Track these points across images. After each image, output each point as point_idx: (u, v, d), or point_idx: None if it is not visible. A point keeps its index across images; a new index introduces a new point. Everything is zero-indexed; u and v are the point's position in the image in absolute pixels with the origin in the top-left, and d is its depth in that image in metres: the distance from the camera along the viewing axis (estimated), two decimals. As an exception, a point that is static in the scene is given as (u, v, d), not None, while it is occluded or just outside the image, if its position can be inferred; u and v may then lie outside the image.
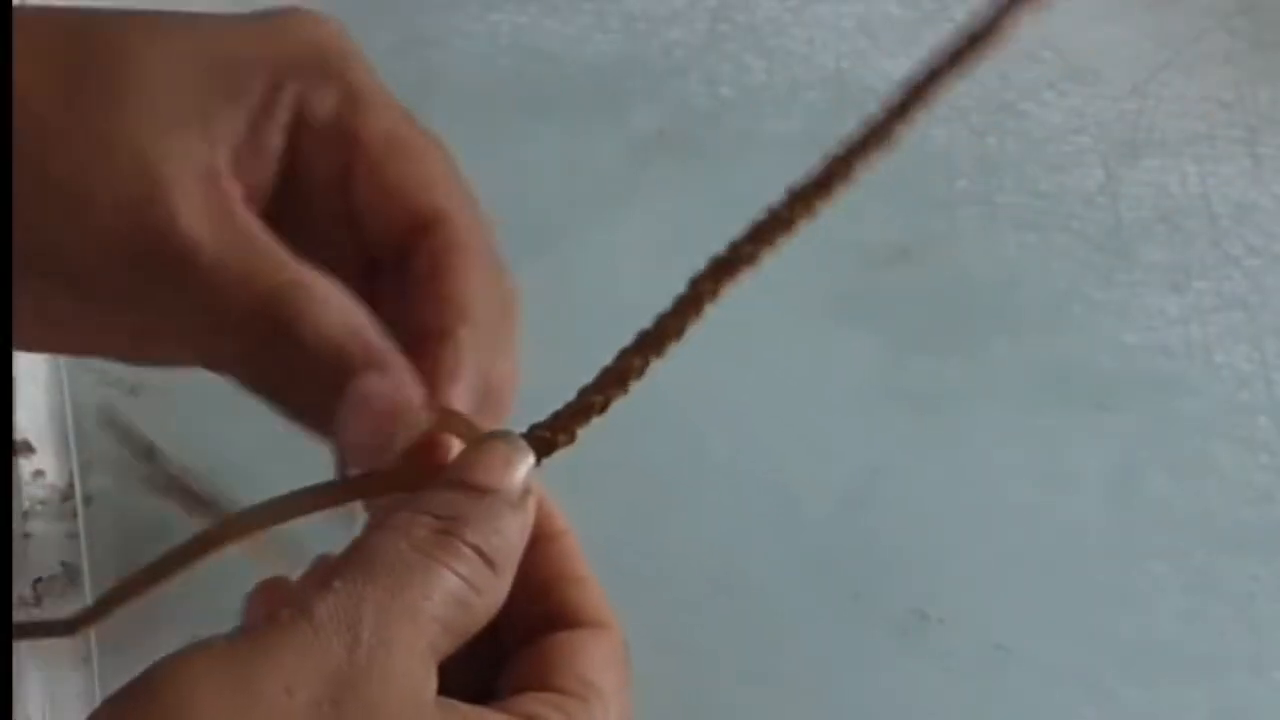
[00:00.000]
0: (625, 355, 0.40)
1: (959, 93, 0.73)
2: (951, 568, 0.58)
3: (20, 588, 0.56)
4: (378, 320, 0.40)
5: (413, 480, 0.38)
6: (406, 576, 0.35)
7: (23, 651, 0.54)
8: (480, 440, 0.39)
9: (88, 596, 0.56)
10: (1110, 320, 0.65)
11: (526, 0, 0.75)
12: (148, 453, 0.42)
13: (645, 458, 0.59)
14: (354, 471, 0.40)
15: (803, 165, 0.70)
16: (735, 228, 0.68)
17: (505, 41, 0.74)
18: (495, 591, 0.36)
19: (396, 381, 0.39)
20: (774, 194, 0.69)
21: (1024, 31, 0.71)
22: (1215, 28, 0.76)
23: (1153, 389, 0.63)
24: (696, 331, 0.64)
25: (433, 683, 0.34)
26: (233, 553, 0.53)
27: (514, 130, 0.70)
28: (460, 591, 0.35)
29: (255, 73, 0.40)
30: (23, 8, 0.41)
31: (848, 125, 0.71)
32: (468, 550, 0.36)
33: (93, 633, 0.55)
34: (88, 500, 0.58)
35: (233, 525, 0.42)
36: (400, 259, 0.41)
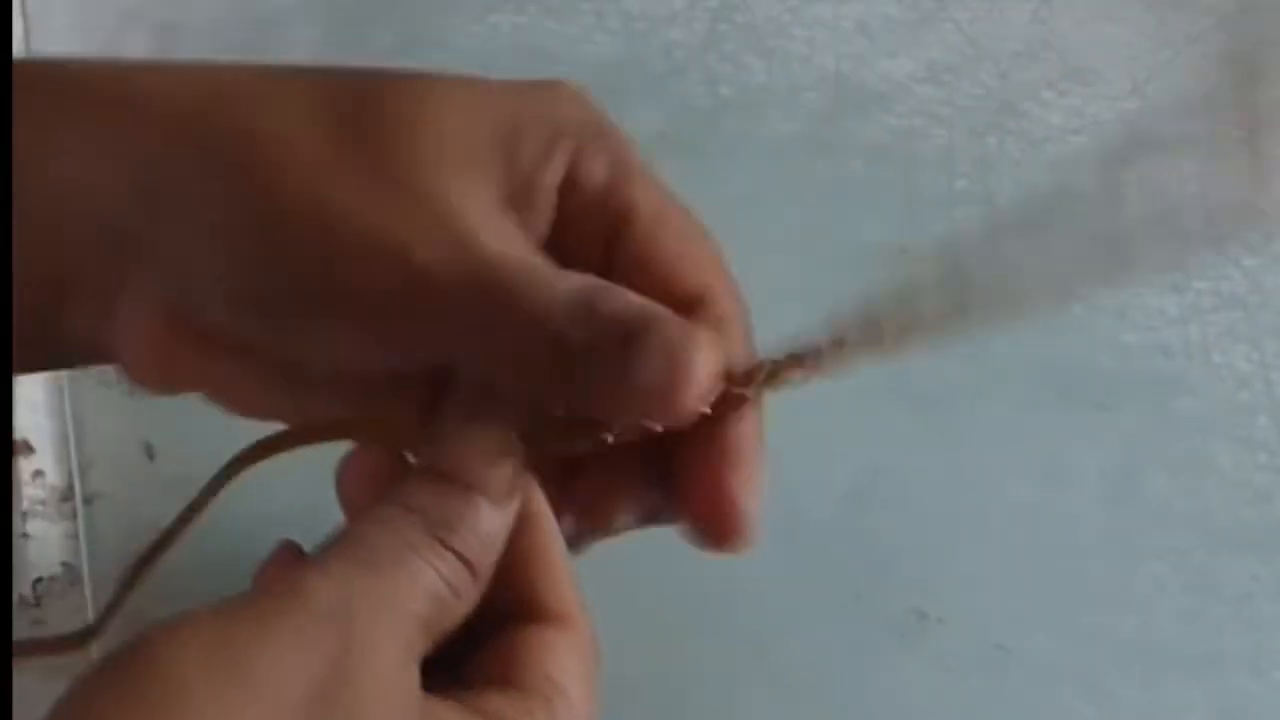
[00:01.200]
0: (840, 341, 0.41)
1: (959, 93, 0.74)
2: (951, 567, 0.58)
3: (20, 588, 0.56)
4: None
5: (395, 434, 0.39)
6: (396, 574, 0.35)
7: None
8: (468, 434, 0.39)
9: (88, 597, 0.56)
10: (1110, 320, 0.65)
11: (526, 0, 0.75)
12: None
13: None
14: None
15: (802, 165, 0.70)
16: (735, 227, 0.68)
17: (505, 41, 0.74)
18: (472, 595, 0.37)
19: (684, 330, 0.39)
20: (773, 194, 0.70)
21: (1023, 32, 0.71)
22: (1215, 28, 0.76)
23: (1152, 389, 0.63)
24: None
25: (416, 680, 0.35)
26: (236, 551, 0.53)
27: (514, 130, 0.70)
28: (442, 593, 0.36)
29: (532, 131, 0.41)
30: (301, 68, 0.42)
31: (847, 125, 0.72)
32: (451, 555, 0.36)
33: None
34: (88, 500, 0.58)
35: (233, 465, 0.42)
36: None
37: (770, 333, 0.65)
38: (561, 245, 0.42)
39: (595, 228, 0.42)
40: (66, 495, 0.58)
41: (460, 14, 0.75)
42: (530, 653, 0.37)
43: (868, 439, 0.61)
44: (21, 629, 0.55)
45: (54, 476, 0.59)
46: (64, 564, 0.57)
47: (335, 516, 0.41)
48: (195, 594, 0.55)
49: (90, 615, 0.56)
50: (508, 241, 0.39)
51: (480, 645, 0.38)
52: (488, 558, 0.37)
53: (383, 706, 0.33)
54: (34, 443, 0.59)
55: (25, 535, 0.57)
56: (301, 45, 0.73)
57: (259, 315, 0.39)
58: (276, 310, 0.39)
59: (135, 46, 0.73)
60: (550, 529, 0.39)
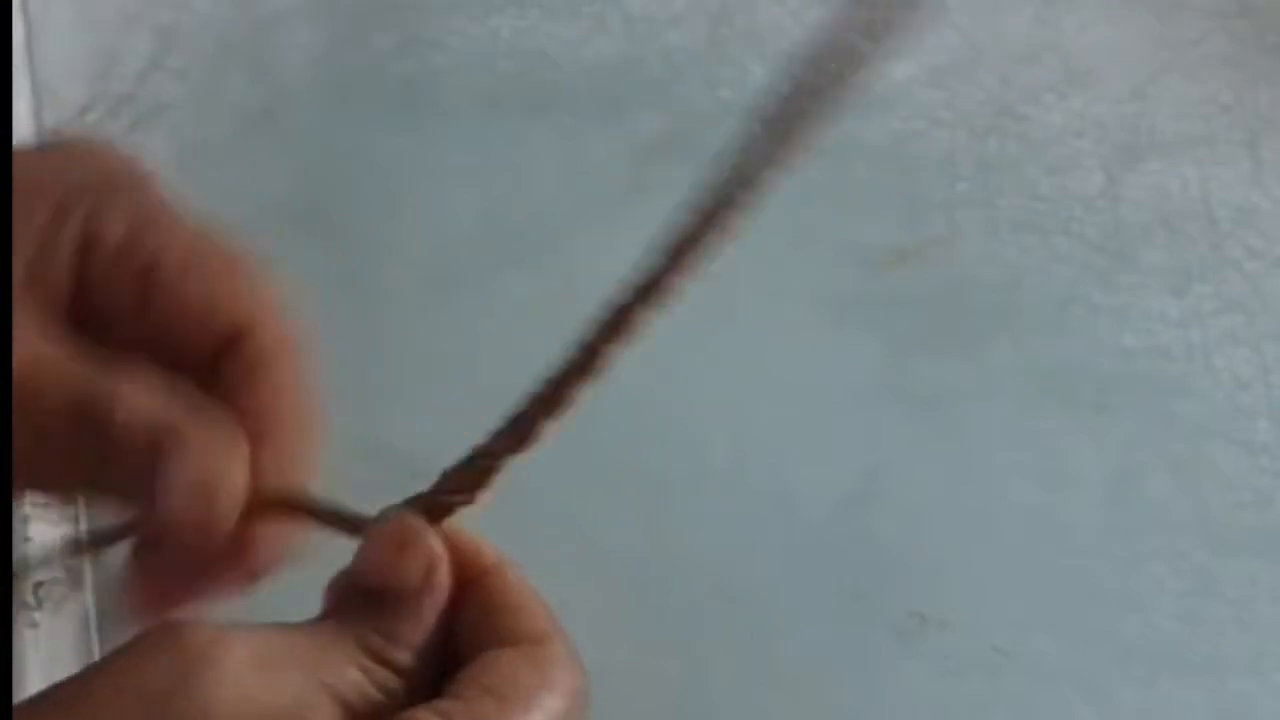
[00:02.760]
0: (522, 416, 0.39)
1: (960, 95, 0.74)
2: (951, 569, 0.58)
3: (22, 592, 0.56)
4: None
5: None
6: (303, 634, 0.36)
7: (23, 648, 0.54)
8: (371, 525, 0.39)
9: (89, 600, 0.56)
10: (1110, 323, 0.65)
11: (527, 3, 0.75)
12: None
13: (646, 460, 0.59)
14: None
15: (802, 168, 0.70)
16: (735, 230, 0.68)
17: (505, 44, 0.74)
18: (398, 688, 0.37)
19: (206, 454, 0.39)
20: (773, 196, 0.70)
21: (1024, 35, 0.71)
22: (1215, 30, 0.76)
23: (1152, 391, 0.63)
24: (696, 333, 0.64)
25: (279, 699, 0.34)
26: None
27: (514, 133, 0.70)
28: (360, 686, 0.36)
29: (40, 197, 0.41)
30: None
31: (848, 128, 0.71)
32: (372, 664, 0.37)
33: (94, 631, 0.55)
34: (89, 504, 0.58)
35: None
36: (211, 372, 0.41)
37: (771, 333, 0.65)
38: (91, 306, 0.41)
39: (126, 285, 0.41)
40: (68, 499, 0.58)
41: (460, 16, 0.75)
42: (473, 669, 0.37)
43: (868, 441, 0.61)
44: (22, 633, 0.55)
45: (55, 479, 0.59)
46: (65, 568, 0.57)
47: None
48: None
49: (91, 617, 0.56)
50: (30, 342, 0.39)
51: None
52: (416, 644, 0.38)
53: (231, 709, 0.33)
54: (35, 445, 0.59)
55: (27, 539, 0.57)
56: (302, 48, 0.73)
57: None
58: None
59: (135, 48, 0.73)
60: (504, 578, 0.39)
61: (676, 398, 0.61)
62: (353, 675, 0.36)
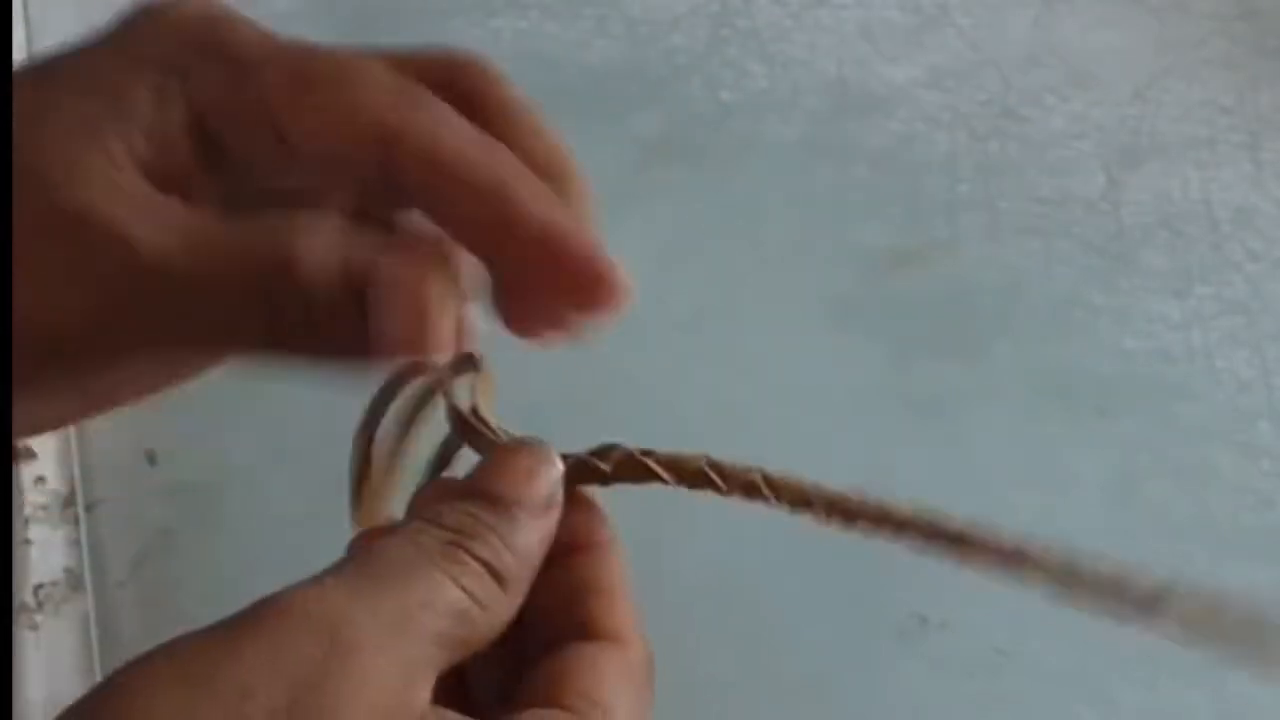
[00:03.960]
0: (716, 469, 0.40)
1: (961, 98, 0.74)
2: (952, 572, 0.58)
3: (22, 594, 0.56)
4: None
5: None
6: (405, 582, 0.34)
7: (24, 650, 0.54)
8: (506, 447, 0.38)
9: (90, 603, 0.56)
10: (1111, 325, 0.65)
11: (527, 5, 0.75)
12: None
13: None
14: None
15: (803, 170, 0.70)
16: (737, 231, 0.69)
17: (506, 46, 0.74)
18: (502, 607, 0.35)
19: (409, 282, 0.38)
20: (775, 199, 0.70)
21: (1025, 37, 0.71)
22: (1216, 33, 0.76)
23: (1154, 394, 0.63)
24: (697, 336, 0.64)
25: (418, 693, 0.33)
26: (243, 548, 0.53)
27: (515, 135, 0.70)
28: (462, 604, 0.34)
29: (136, 95, 0.39)
30: None
31: (849, 130, 0.72)
32: (475, 564, 0.35)
33: (94, 632, 0.55)
34: (89, 506, 0.58)
35: None
36: (388, 188, 0.40)
37: (772, 335, 0.65)
38: (233, 182, 0.40)
39: (254, 137, 0.39)
40: (68, 501, 0.58)
41: (461, 18, 0.75)
42: (571, 670, 0.36)
43: (869, 442, 0.61)
44: (22, 635, 0.55)
45: (55, 482, 0.59)
46: (65, 569, 0.57)
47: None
48: (198, 585, 0.55)
49: (93, 621, 0.56)
50: (176, 233, 0.38)
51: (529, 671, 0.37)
52: (521, 568, 0.36)
53: (365, 717, 0.32)
54: (36, 449, 0.59)
55: (27, 541, 0.57)
56: (303, 50, 0.73)
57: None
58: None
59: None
60: (611, 558, 0.38)
61: (677, 399, 0.61)
62: (453, 594, 0.34)
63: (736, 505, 0.60)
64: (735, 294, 0.66)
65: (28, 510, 0.58)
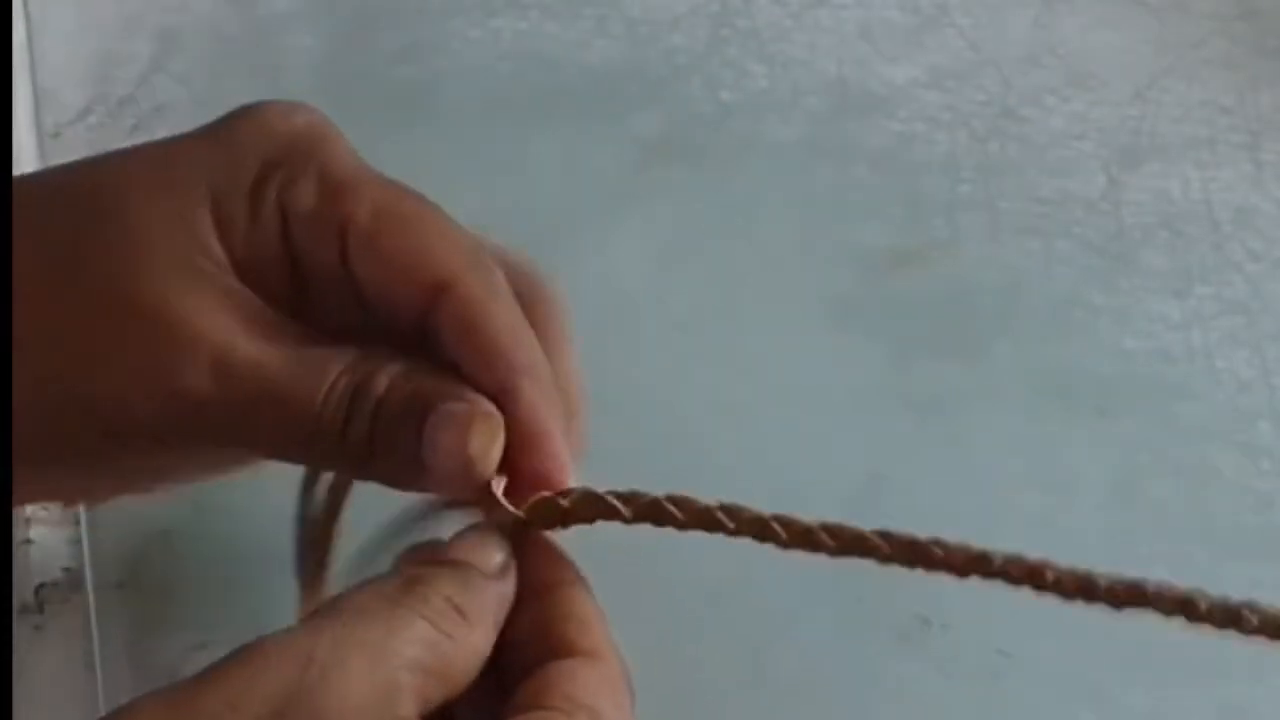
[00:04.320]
0: (675, 502, 0.41)
1: (961, 98, 0.74)
2: (953, 573, 0.58)
3: (22, 594, 0.56)
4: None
5: None
6: (370, 617, 0.35)
7: (25, 655, 0.54)
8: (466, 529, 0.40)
9: (90, 603, 0.56)
10: (1111, 326, 0.65)
11: (527, 5, 0.75)
12: None
13: (647, 463, 0.59)
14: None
15: (803, 170, 0.70)
16: (737, 232, 0.69)
17: (506, 47, 0.74)
18: (470, 639, 0.37)
19: (475, 400, 0.40)
20: (775, 199, 0.70)
21: (1026, 37, 0.71)
22: (1217, 33, 0.76)
23: (1154, 394, 0.63)
24: (697, 336, 0.64)
25: (400, 708, 0.34)
26: (243, 549, 0.53)
27: (515, 135, 0.70)
28: (428, 634, 0.36)
29: (232, 190, 0.41)
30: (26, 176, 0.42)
31: (849, 130, 0.72)
32: (436, 598, 0.37)
33: (95, 633, 0.55)
34: (90, 506, 0.58)
35: None
36: (427, 331, 0.41)
37: (771, 335, 0.65)
38: (310, 281, 0.42)
39: (326, 251, 0.41)
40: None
41: (462, 18, 0.75)
42: (553, 679, 0.37)
43: (869, 443, 0.61)
44: (22, 635, 0.55)
45: (56, 482, 0.59)
46: (65, 570, 0.57)
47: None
48: (198, 596, 0.55)
49: (93, 622, 0.56)
50: (262, 338, 0.40)
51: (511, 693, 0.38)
52: (481, 608, 0.38)
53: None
54: (36, 448, 0.59)
55: (28, 541, 0.57)
56: (303, 50, 0.73)
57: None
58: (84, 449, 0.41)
59: (136, 51, 0.73)
60: (579, 595, 0.40)
61: (677, 399, 0.61)
62: (419, 625, 0.36)
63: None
64: (735, 294, 0.66)
65: (28, 510, 0.58)
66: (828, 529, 0.41)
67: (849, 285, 0.66)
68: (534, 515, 0.40)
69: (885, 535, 0.40)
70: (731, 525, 0.41)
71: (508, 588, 0.39)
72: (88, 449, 0.40)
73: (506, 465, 0.41)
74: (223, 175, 0.41)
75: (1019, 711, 0.55)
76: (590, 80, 0.73)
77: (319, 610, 0.36)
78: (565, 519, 0.40)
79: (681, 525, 0.41)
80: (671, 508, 0.41)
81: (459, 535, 0.40)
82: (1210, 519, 0.60)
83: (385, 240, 0.41)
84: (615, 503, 0.40)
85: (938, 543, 0.40)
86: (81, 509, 0.58)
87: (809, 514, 0.59)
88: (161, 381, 0.39)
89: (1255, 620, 0.38)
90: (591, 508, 0.40)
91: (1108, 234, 0.68)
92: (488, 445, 0.40)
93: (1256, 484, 0.61)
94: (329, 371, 0.40)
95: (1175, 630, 0.57)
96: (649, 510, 0.41)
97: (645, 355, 0.63)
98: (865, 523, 0.59)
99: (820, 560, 0.58)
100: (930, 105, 0.73)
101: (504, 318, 0.41)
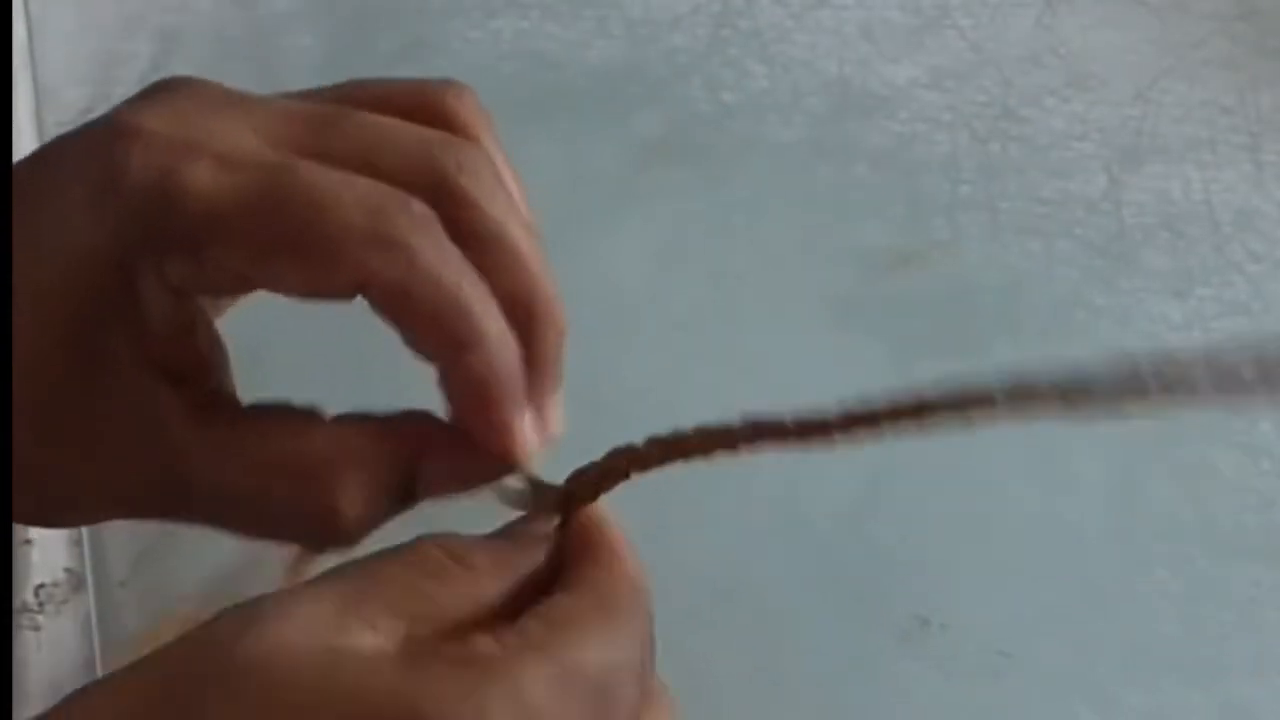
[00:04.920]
0: (678, 440, 0.40)
1: (962, 98, 0.74)
2: (954, 573, 0.58)
3: (23, 594, 0.56)
4: None
5: None
6: (341, 572, 0.35)
7: (25, 651, 0.54)
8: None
9: (91, 603, 0.56)
10: (1112, 326, 0.65)
11: (528, 5, 0.75)
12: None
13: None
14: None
15: (804, 170, 0.70)
16: (738, 232, 0.69)
17: (507, 47, 0.74)
18: (466, 583, 0.36)
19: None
20: (775, 199, 0.70)
21: (1027, 38, 0.71)
22: (1217, 33, 0.76)
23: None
24: (697, 336, 0.64)
25: (363, 638, 0.33)
26: (244, 548, 0.53)
27: (516, 135, 0.70)
28: (412, 579, 0.35)
29: (106, 264, 0.38)
30: None
31: (850, 130, 0.72)
32: (428, 545, 0.36)
33: (95, 633, 0.55)
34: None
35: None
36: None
37: (773, 335, 0.65)
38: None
39: (225, 294, 0.41)
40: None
41: (462, 19, 0.75)
42: (541, 605, 0.36)
43: (870, 445, 0.61)
44: (23, 635, 0.55)
45: (57, 482, 0.59)
46: (67, 570, 0.57)
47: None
48: (199, 587, 0.55)
49: (94, 621, 0.56)
50: (206, 450, 0.39)
51: None
52: (489, 554, 0.37)
53: (273, 655, 0.32)
54: (37, 448, 0.59)
55: (28, 541, 0.57)
56: (303, 50, 0.73)
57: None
58: None
59: (136, 50, 0.73)
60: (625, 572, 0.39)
61: (677, 399, 0.61)
62: (395, 569, 0.35)
63: (738, 506, 0.60)
64: (735, 294, 0.66)
65: (29, 510, 0.58)
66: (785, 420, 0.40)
67: (850, 285, 0.66)
68: (563, 506, 0.40)
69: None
70: (692, 449, 0.40)
71: (534, 558, 0.38)
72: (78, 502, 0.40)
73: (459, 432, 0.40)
74: (104, 263, 0.38)
75: (1019, 711, 0.55)
76: (591, 80, 0.73)
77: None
78: (598, 489, 0.40)
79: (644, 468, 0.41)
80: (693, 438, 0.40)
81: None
82: (1211, 519, 0.60)
83: (282, 269, 0.38)
84: (642, 451, 0.40)
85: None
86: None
87: (808, 518, 0.59)
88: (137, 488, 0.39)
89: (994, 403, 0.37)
90: (619, 468, 0.40)
91: (1109, 234, 0.68)
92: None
93: (1257, 484, 0.61)
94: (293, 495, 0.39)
95: (1175, 629, 0.57)
96: (674, 449, 0.40)
97: (645, 355, 0.63)
98: (867, 523, 0.59)
99: (821, 560, 0.58)
100: (931, 106, 0.73)
101: (432, 287, 0.38)
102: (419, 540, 0.36)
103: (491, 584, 0.36)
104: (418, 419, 0.40)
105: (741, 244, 0.68)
